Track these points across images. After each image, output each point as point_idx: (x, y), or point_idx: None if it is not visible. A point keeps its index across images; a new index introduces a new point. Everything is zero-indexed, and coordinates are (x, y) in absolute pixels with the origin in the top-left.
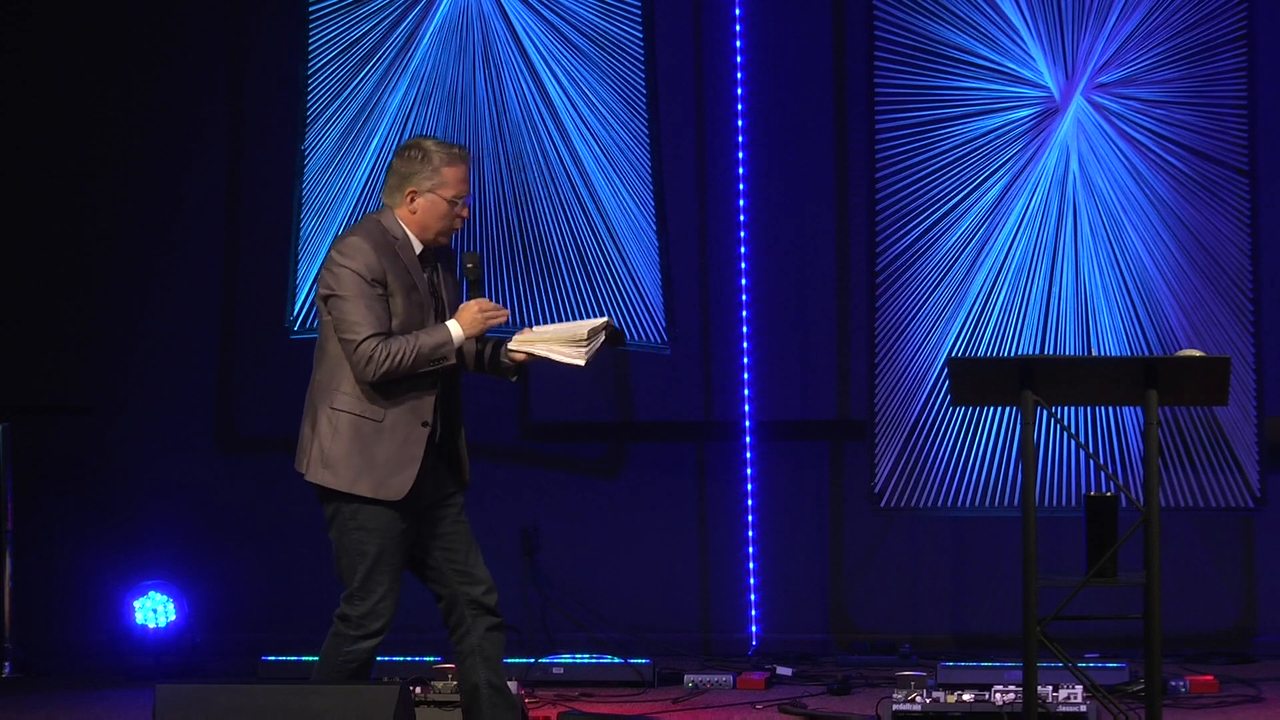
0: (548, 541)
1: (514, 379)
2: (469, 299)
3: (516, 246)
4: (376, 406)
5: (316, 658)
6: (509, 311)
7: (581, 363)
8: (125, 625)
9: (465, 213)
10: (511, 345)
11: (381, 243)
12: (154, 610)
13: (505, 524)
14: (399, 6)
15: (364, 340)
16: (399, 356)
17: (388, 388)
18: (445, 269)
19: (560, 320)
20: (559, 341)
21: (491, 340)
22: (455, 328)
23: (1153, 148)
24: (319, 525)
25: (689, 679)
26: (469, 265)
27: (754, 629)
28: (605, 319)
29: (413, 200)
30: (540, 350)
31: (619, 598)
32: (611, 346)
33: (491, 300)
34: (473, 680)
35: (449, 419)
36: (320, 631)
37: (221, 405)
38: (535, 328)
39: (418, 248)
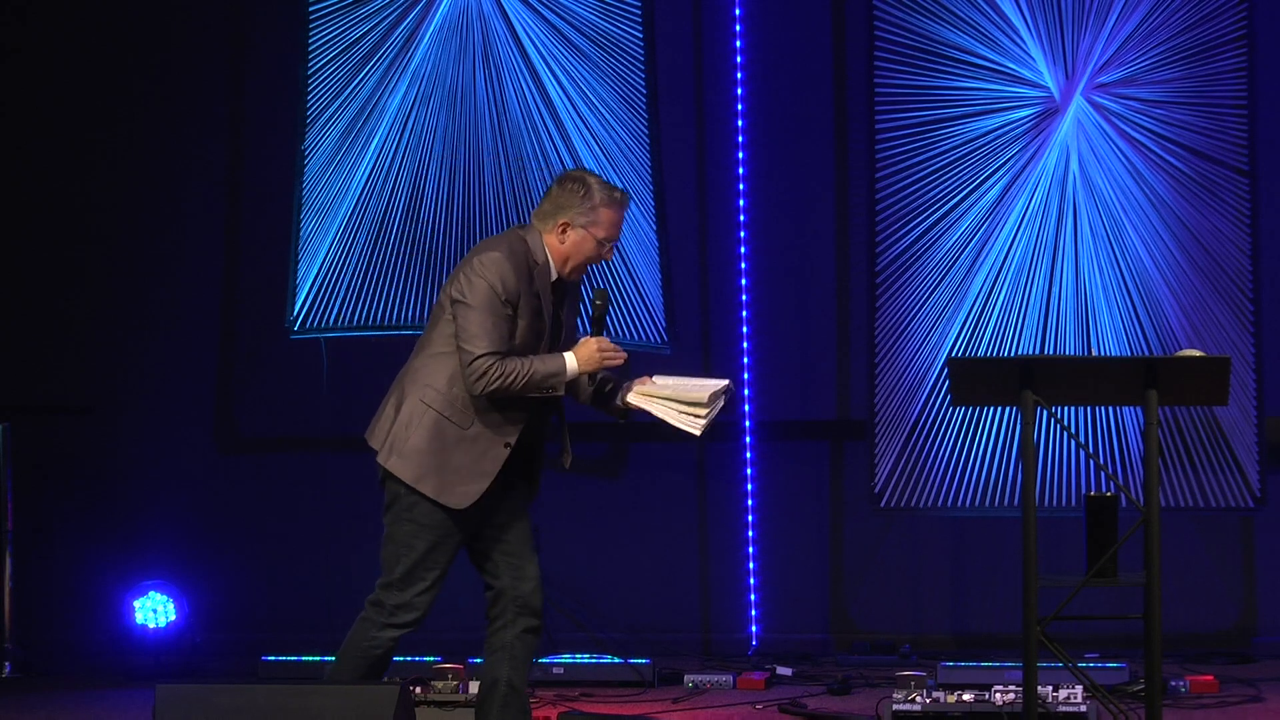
0: (548, 541)
1: (622, 420)
2: (591, 334)
3: None
4: (466, 414)
5: (316, 658)
6: (626, 355)
7: (698, 433)
8: (125, 625)
9: (610, 255)
10: (631, 398)
11: (522, 263)
12: (154, 610)
13: None
14: (399, 7)
15: (481, 355)
16: (512, 378)
17: (483, 401)
18: (572, 299)
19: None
20: (679, 403)
21: (611, 381)
22: (571, 360)
23: (1153, 148)
24: (319, 525)
25: (689, 679)
26: (598, 302)
27: (754, 629)
28: (726, 382)
29: (564, 231)
30: (657, 411)
31: (619, 598)
32: (725, 414)
33: (610, 339)
34: (495, 675)
35: (531, 443)
36: (320, 631)
37: (221, 405)
38: (657, 379)
39: (554, 275)
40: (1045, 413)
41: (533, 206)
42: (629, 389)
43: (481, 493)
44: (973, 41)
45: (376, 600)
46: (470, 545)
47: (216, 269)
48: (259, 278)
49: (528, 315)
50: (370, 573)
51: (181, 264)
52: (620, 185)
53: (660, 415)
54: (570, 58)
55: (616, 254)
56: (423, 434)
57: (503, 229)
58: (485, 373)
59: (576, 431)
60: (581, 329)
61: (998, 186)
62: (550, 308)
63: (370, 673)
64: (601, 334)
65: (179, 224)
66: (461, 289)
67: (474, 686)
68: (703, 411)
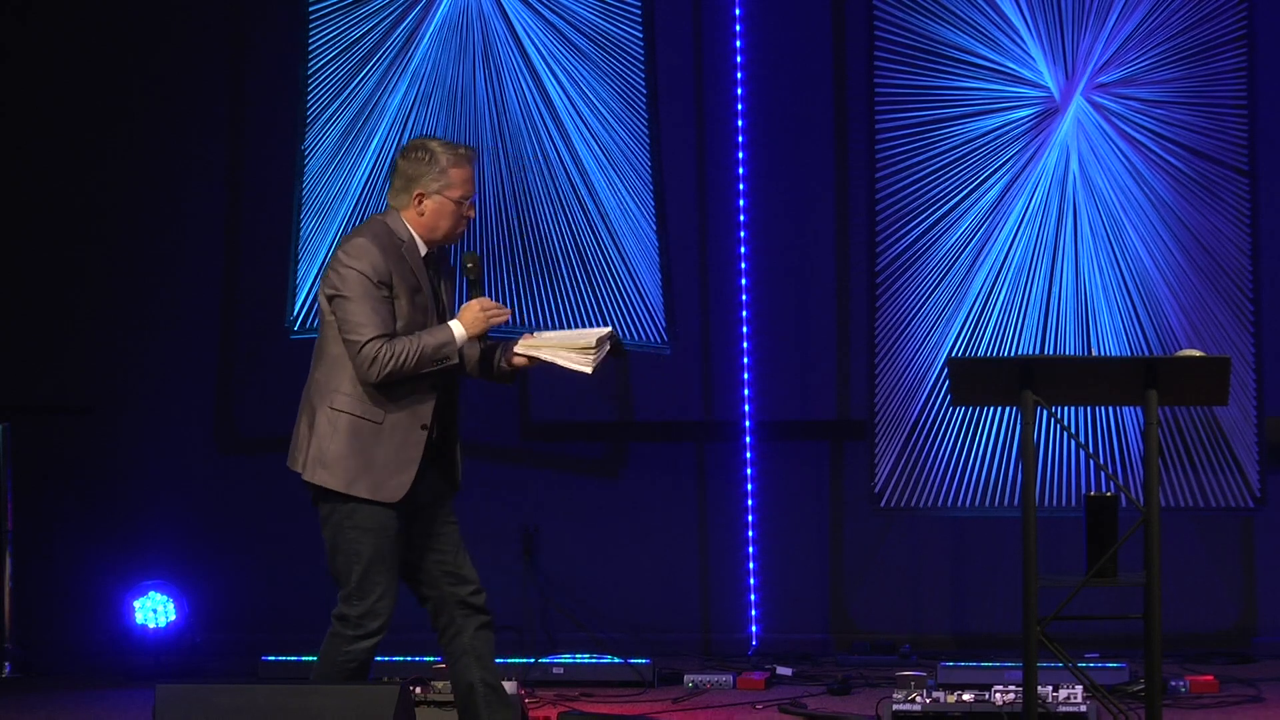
0: (548, 542)
1: (510, 383)
2: (469, 299)
3: (516, 247)
4: (376, 408)
5: (316, 658)
6: (510, 311)
7: (589, 370)
8: (125, 625)
9: (471, 213)
10: (517, 349)
11: (388, 244)
12: (154, 610)
13: (506, 524)
14: (399, 6)
15: (368, 341)
16: (403, 357)
17: (388, 390)
18: (445, 272)
19: (561, 327)
20: (565, 348)
21: (497, 343)
22: (458, 327)
23: (1153, 148)
24: (318, 525)
25: (689, 679)
26: (469, 265)
27: (754, 629)
28: (609, 329)
29: (420, 202)
30: (546, 355)
31: (619, 598)
32: (613, 357)
33: (493, 300)
34: (467, 679)
35: (446, 423)
36: (320, 631)
37: (221, 405)
38: (539, 333)
39: (423, 250)
40: (1045, 413)
41: (533, 206)
42: (512, 346)
43: (411, 481)
44: (973, 41)
45: (341, 614)
46: (403, 559)
47: (216, 269)
48: (259, 278)
49: (407, 294)
50: None
51: (181, 264)
52: (466, 143)
53: (549, 359)
54: (570, 57)
55: (617, 253)
56: (341, 439)
57: (503, 229)
58: (376, 357)
59: (577, 431)
60: (461, 303)
61: (998, 186)
62: (428, 284)
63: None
64: (480, 295)
65: (179, 224)
66: (334, 284)
67: None
68: (590, 353)
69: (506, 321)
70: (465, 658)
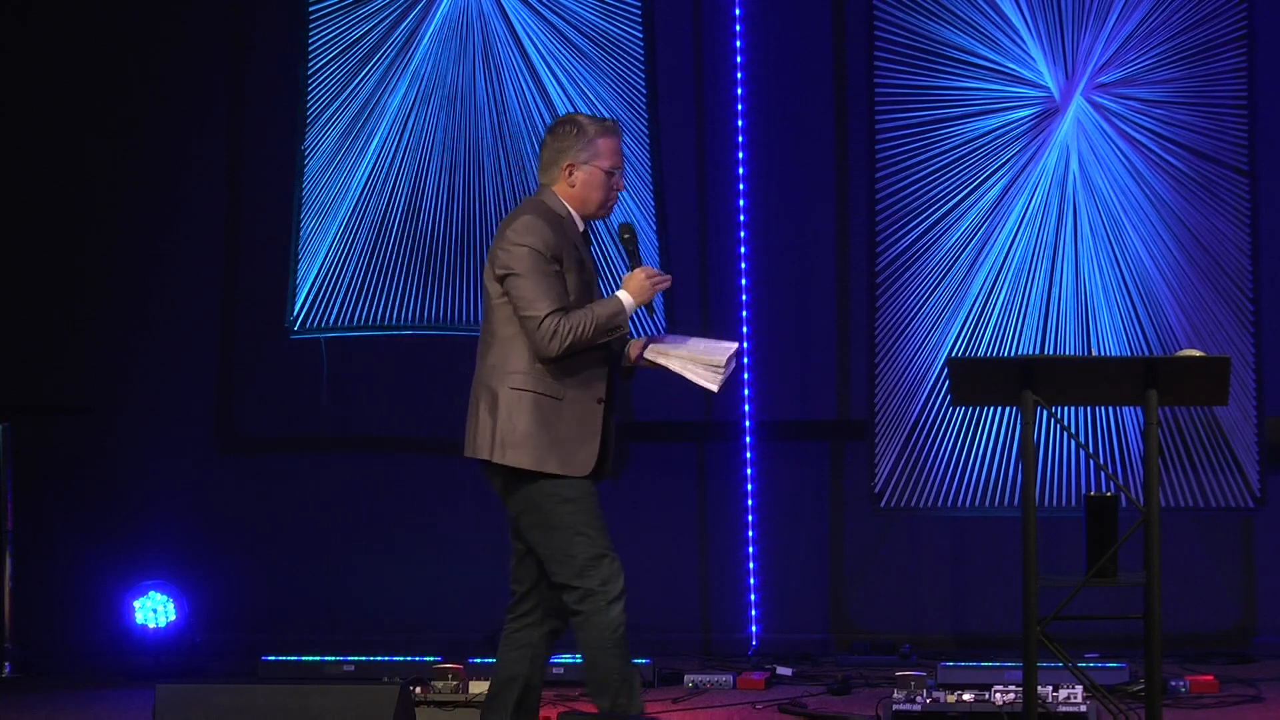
0: None
1: (627, 379)
2: (630, 268)
3: None
4: (556, 384)
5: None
6: (670, 277)
7: (715, 388)
8: (125, 625)
9: (621, 185)
10: (646, 354)
11: (552, 219)
12: (154, 610)
13: (505, 524)
14: (399, 6)
15: (546, 316)
16: (580, 328)
17: (563, 365)
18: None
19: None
20: (695, 362)
21: (626, 339)
22: (625, 296)
23: (1153, 148)
24: (319, 525)
25: (689, 679)
26: (625, 235)
27: (754, 629)
28: (736, 344)
29: (570, 173)
30: (675, 366)
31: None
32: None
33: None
34: (514, 671)
35: (609, 401)
36: (320, 631)
37: (221, 405)
38: (667, 339)
39: (580, 225)
40: (1045, 413)
41: None
42: (640, 348)
43: (596, 453)
44: (973, 41)
45: (586, 592)
46: (519, 538)
47: (217, 269)
48: (259, 278)
49: (573, 269)
50: (371, 571)
51: (181, 264)
52: (608, 117)
53: (677, 370)
54: (570, 58)
55: (616, 253)
56: (526, 418)
57: None
58: (555, 331)
59: None
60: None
61: (998, 186)
62: (589, 258)
63: (628, 657)
64: (640, 264)
65: (179, 224)
66: (505, 263)
67: (474, 686)
68: (721, 371)
69: (670, 286)
70: (524, 650)
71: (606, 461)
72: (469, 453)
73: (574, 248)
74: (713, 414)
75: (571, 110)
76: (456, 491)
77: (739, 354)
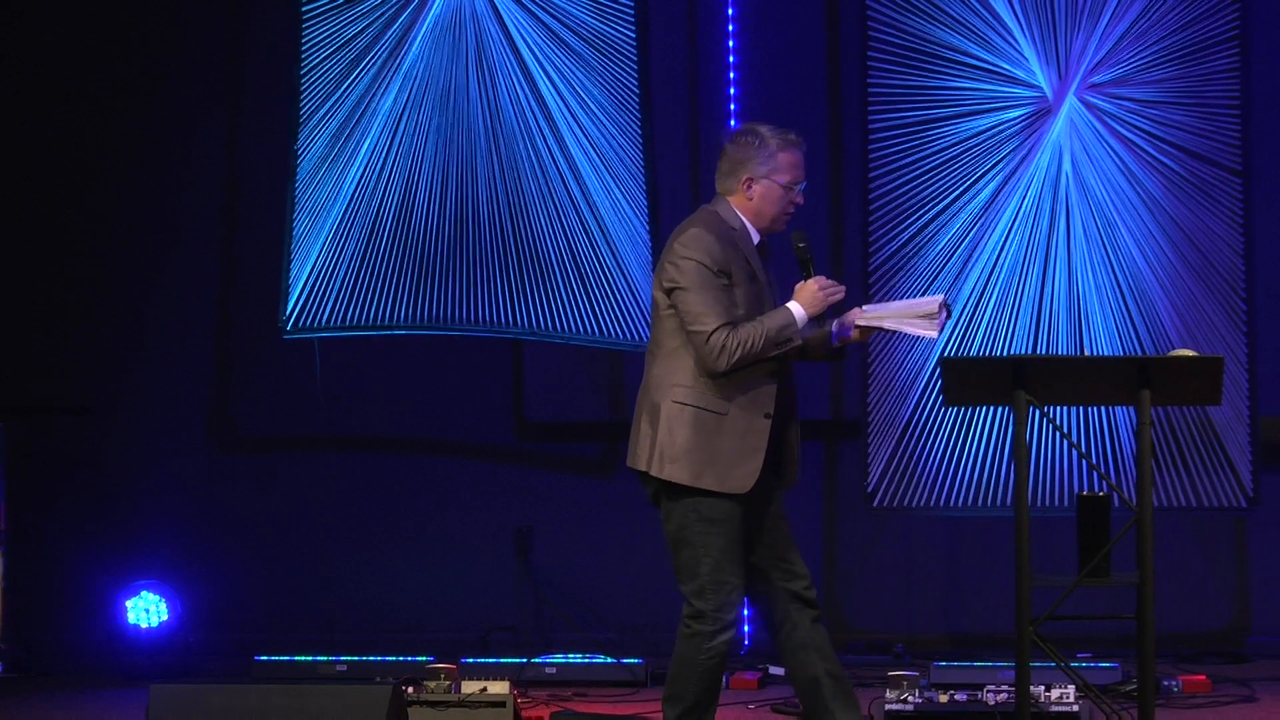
0: (542, 542)
1: (839, 359)
2: (802, 278)
3: (510, 247)
4: (718, 399)
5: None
6: (844, 287)
7: (935, 334)
8: (118, 625)
9: (800, 199)
10: (860, 321)
11: (721, 233)
12: (146, 610)
13: (500, 524)
14: (392, 6)
15: (714, 331)
16: (749, 343)
17: (729, 380)
18: (769, 263)
19: (562, 329)
20: (910, 316)
21: (829, 320)
22: (796, 308)
23: (1146, 148)
24: (313, 525)
25: None
26: (800, 244)
27: (747, 628)
28: (942, 295)
29: (749, 187)
30: (891, 324)
31: (614, 597)
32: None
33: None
34: (811, 673)
35: (782, 413)
36: (312, 631)
37: (216, 405)
38: (869, 307)
39: (755, 237)
40: (1038, 413)
41: (526, 207)
42: (848, 320)
43: (758, 470)
44: (966, 41)
45: (697, 612)
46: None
47: (212, 269)
48: (254, 277)
49: (744, 282)
50: (365, 571)
51: (177, 264)
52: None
53: (894, 328)
54: (563, 58)
55: (610, 254)
56: (686, 432)
57: (496, 230)
58: (724, 346)
59: (571, 431)
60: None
61: (991, 186)
62: (762, 271)
63: (713, 684)
64: (813, 275)
65: (175, 224)
66: (672, 276)
67: (467, 686)
68: (935, 318)
69: (842, 299)
70: (805, 651)
71: (786, 470)
72: (630, 463)
73: (745, 260)
74: None
75: (565, 109)
76: (451, 492)
77: (946, 305)
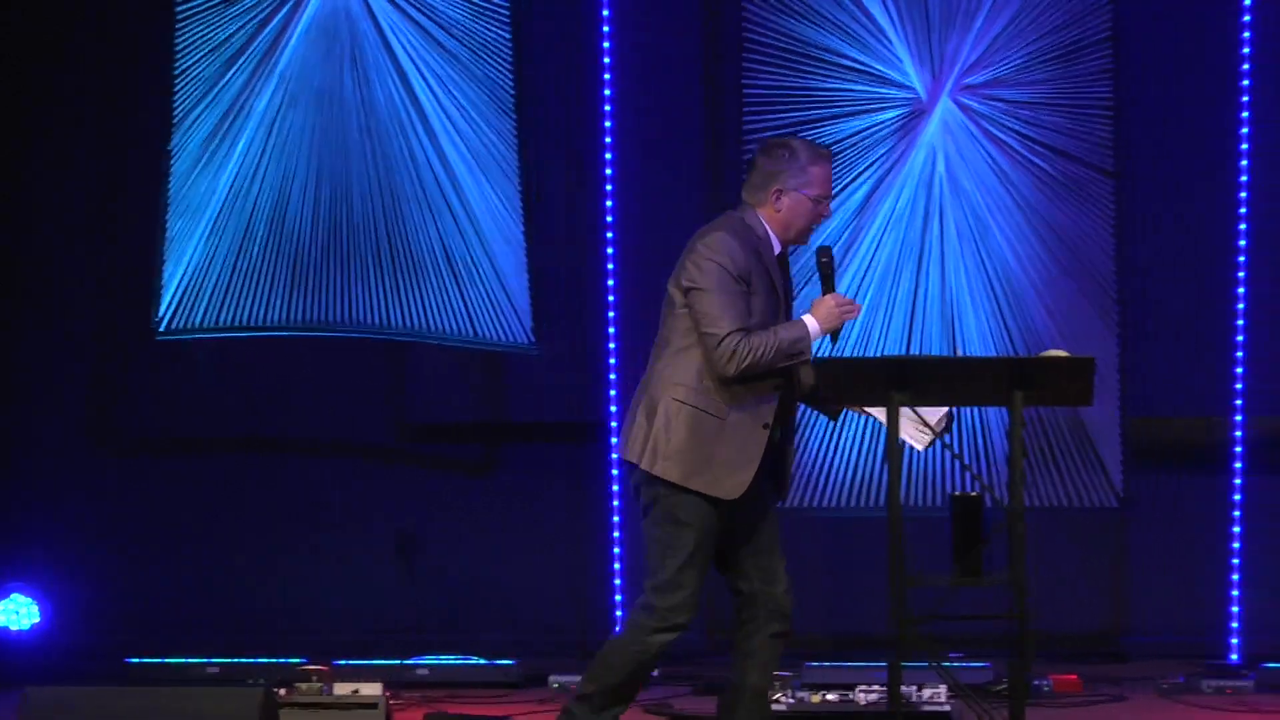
0: (424, 542)
1: (833, 420)
2: (822, 292)
3: (384, 246)
4: (720, 403)
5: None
6: (860, 306)
7: (920, 448)
8: None
9: (828, 212)
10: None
11: (747, 240)
12: (17, 612)
13: (382, 524)
14: (268, 6)
15: (727, 335)
16: (760, 351)
17: (734, 386)
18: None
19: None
20: (906, 419)
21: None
22: (811, 322)
23: (1018, 149)
24: (185, 525)
25: (554, 679)
26: (823, 260)
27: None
28: (946, 410)
29: (778, 199)
30: (881, 415)
31: (494, 599)
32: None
33: (847, 296)
34: (740, 681)
35: (784, 428)
36: (185, 632)
37: (91, 405)
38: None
39: (777, 248)
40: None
41: (399, 206)
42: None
43: (750, 480)
44: (841, 43)
45: (648, 604)
46: (718, 551)
47: (91, 269)
48: (129, 277)
49: (762, 291)
50: (242, 572)
51: (52, 261)
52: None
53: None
54: (439, 59)
55: (484, 254)
56: (683, 432)
57: (371, 231)
58: (735, 351)
59: (452, 432)
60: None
61: (865, 187)
62: (781, 282)
63: (631, 679)
64: (833, 291)
65: (49, 222)
66: (692, 276)
67: (339, 688)
68: (929, 433)
69: (858, 317)
70: (750, 659)
71: (781, 485)
72: (622, 454)
73: (766, 271)
74: (583, 414)
75: (439, 109)
76: (331, 493)
77: (950, 417)
